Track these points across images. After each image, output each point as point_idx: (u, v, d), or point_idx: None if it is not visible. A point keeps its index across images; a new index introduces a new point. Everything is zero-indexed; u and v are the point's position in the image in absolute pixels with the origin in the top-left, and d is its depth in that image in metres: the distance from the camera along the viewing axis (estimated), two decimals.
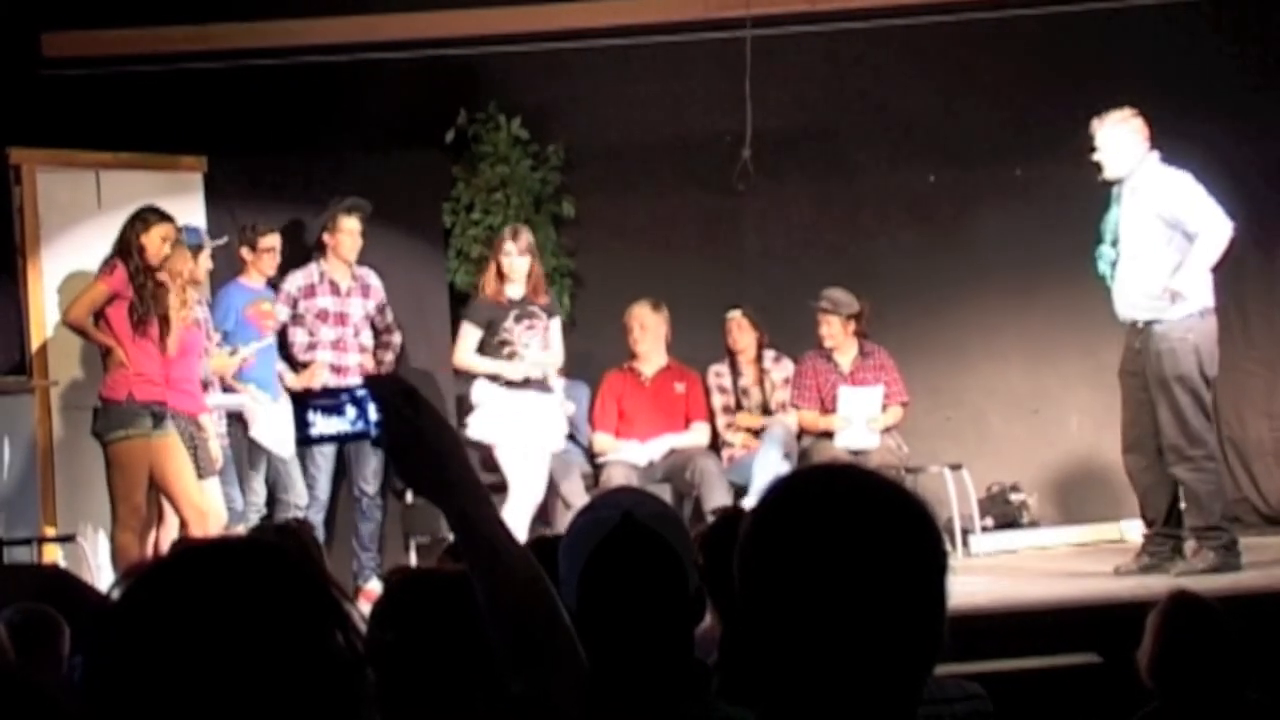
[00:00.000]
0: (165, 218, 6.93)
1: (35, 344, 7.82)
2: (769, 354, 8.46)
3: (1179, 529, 6.77)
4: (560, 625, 1.80)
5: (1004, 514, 8.73)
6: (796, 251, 9.06)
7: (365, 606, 2.05)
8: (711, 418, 8.36)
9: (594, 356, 8.46)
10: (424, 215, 8.92)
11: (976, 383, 9.11)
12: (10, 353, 7.95)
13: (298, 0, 8.69)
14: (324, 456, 7.93)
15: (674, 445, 8.13)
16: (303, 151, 8.72)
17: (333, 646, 1.34)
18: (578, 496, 7.57)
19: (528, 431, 7.50)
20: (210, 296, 7.88)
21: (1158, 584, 5.92)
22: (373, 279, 8.27)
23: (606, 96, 9.04)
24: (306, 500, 7.81)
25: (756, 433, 8.28)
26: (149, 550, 6.76)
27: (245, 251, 7.98)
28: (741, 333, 8.39)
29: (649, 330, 8.24)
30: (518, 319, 7.55)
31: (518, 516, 7.19)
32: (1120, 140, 6.71)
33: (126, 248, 6.83)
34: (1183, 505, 6.78)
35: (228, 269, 8.01)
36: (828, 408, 8.22)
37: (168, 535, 6.97)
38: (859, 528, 1.49)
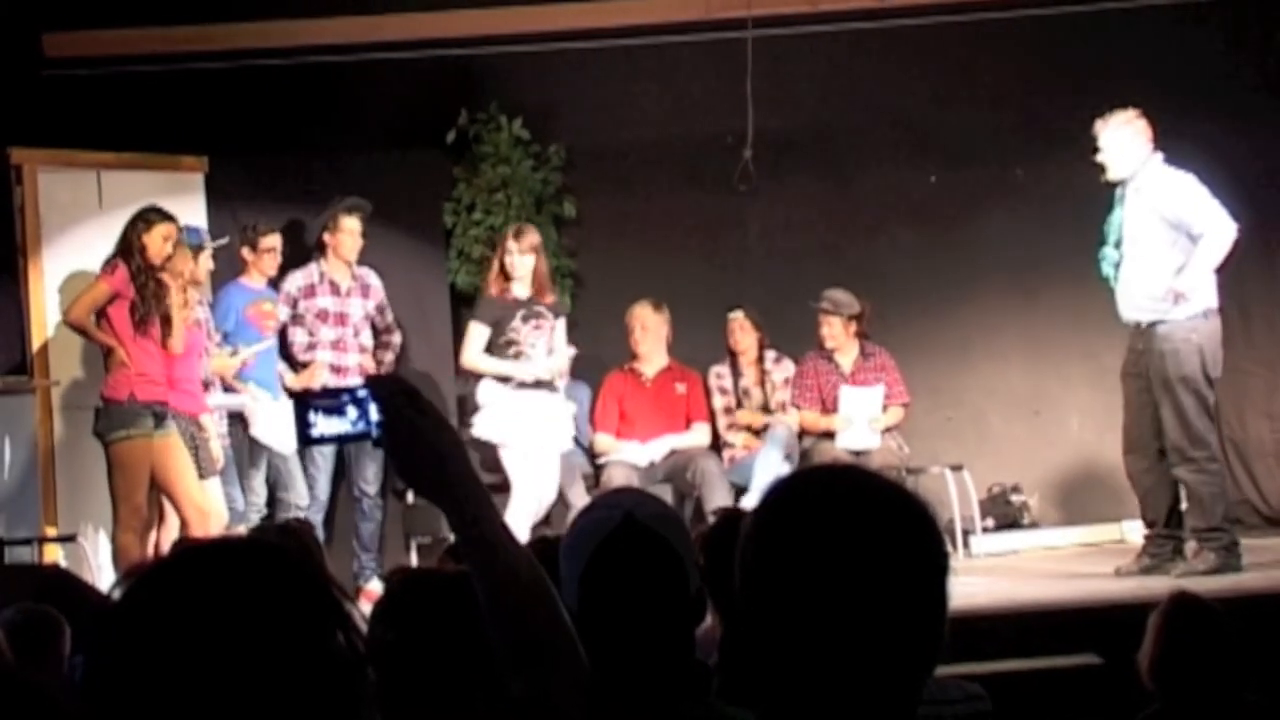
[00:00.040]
0: (167, 217, 6.94)
1: (36, 344, 7.82)
2: (770, 355, 8.46)
3: (1180, 530, 6.77)
4: (561, 626, 1.80)
5: (1005, 515, 8.73)
6: (798, 252, 9.06)
7: (366, 606, 2.05)
8: (712, 418, 8.36)
9: (595, 357, 8.46)
10: (425, 215, 8.92)
11: (977, 383, 9.11)
12: (11, 353, 7.95)
13: (299, 0, 8.69)
14: (323, 457, 7.92)
15: (675, 446, 8.13)
16: (304, 151, 8.72)
17: (334, 646, 1.34)
18: (579, 497, 7.57)
19: (536, 432, 7.48)
20: (211, 297, 7.88)
21: (1158, 585, 5.91)
22: (373, 279, 8.27)
23: (608, 97, 9.04)
24: (307, 500, 7.81)
25: (757, 432, 8.28)
26: (150, 550, 6.76)
27: (246, 251, 7.98)
28: (743, 333, 8.39)
29: (650, 331, 8.24)
30: (525, 319, 7.51)
31: (520, 517, 7.18)
32: (1124, 141, 6.70)
33: (128, 247, 6.83)
34: (1183, 506, 6.78)
35: (229, 269, 8.02)
36: (829, 408, 8.22)
37: (169, 535, 6.97)
38: (860, 529, 1.49)
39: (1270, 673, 3.83)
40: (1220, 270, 6.64)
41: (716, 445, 8.31)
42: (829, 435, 8.13)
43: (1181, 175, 6.68)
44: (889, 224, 9.09)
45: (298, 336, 8.11)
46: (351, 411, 1.80)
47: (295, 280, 8.12)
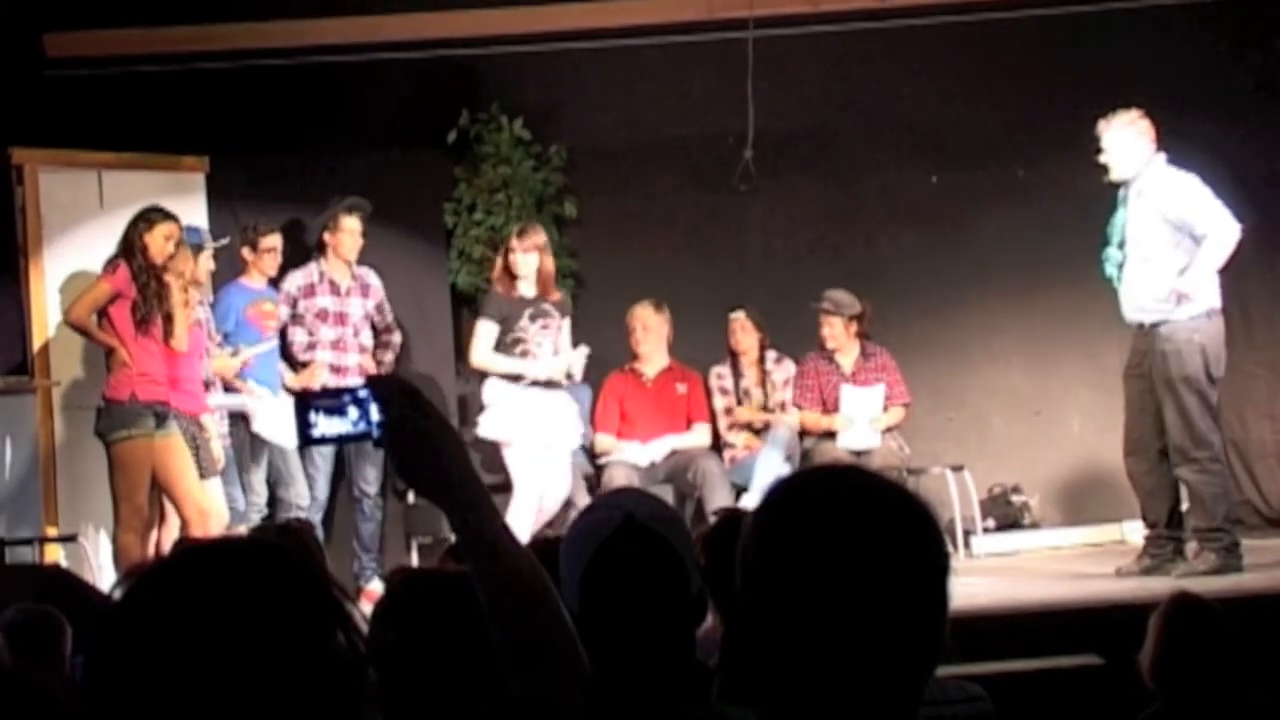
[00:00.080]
0: (169, 216, 6.94)
1: (37, 344, 7.82)
2: (771, 355, 8.46)
3: (1180, 531, 6.77)
4: (561, 626, 1.80)
5: (1005, 515, 8.73)
6: (798, 252, 9.06)
7: (367, 607, 2.05)
8: (713, 419, 8.36)
9: (595, 357, 8.45)
10: (426, 216, 8.93)
11: (978, 384, 9.12)
12: (12, 353, 7.96)
13: (300, 0, 8.69)
14: (323, 457, 7.92)
15: (676, 446, 8.13)
16: (305, 152, 8.72)
17: (334, 646, 1.34)
18: (580, 497, 7.56)
19: (546, 431, 7.46)
20: (212, 297, 7.89)
21: (1159, 585, 5.91)
22: (372, 278, 8.27)
23: (609, 97, 9.04)
24: (308, 500, 7.81)
25: (757, 431, 8.28)
26: (151, 550, 6.76)
27: (246, 251, 7.99)
28: (744, 334, 8.39)
29: (651, 331, 8.24)
30: (533, 318, 7.49)
31: (522, 517, 7.17)
32: (1126, 142, 6.69)
33: (130, 247, 6.83)
34: (1184, 507, 6.78)
35: (229, 269, 8.02)
36: (829, 409, 8.22)
37: (169, 535, 6.97)
38: (861, 529, 1.49)
39: (1271, 673, 3.83)
40: (1223, 271, 6.64)
41: (717, 445, 8.31)
42: (830, 435, 8.13)
43: (1185, 176, 6.68)
44: (890, 224, 9.09)
45: (297, 336, 8.11)
46: (352, 411, 1.80)
47: (295, 280, 8.12)
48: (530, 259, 7.49)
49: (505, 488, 7.36)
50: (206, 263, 7.56)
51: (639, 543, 2.20)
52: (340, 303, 8.14)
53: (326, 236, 8.16)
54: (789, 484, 1.59)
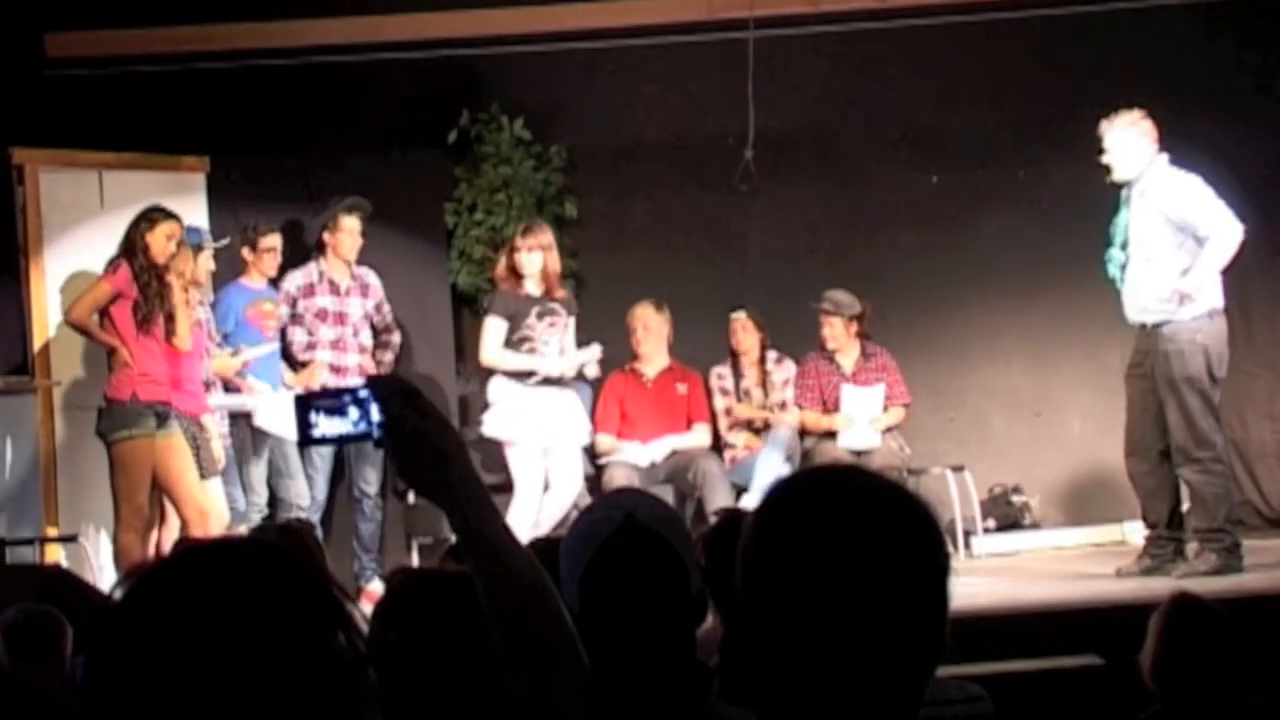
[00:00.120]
0: (171, 216, 6.94)
1: (38, 344, 7.83)
2: (771, 355, 8.46)
3: (1181, 531, 6.76)
4: (562, 626, 1.80)
5: (1006, 516, 8.73)
6: (799, 252, 9.06)
7: (367, 607, 2.05)
8: (714, 419, 8.36)
9: None
10: (426, 216, 8.92)
11: (979, 384, 9.12)
12: (13, 353, 7.96)
13: (300, 1, 8.69)
14: (321, 458, 7.92)
15: (676, 446, 8.13)
16: (305, 152, 8.72)
17: (334, 647, 1.34)
18: (581, 497, 7.56)
19: (554, 430, 7.45)
20: (212, 297, 7.89)
21: (1159, 586, 5.91)
22: (371, 278, 8.28)
23: (609, 97, 9.04)
24: (308, 500, 7.81)
25: (757, 430, 8.27)
26: (151, 550, 6.77)
27: (246, 252, 7.99)
28: (745, 334, 8.39)
29: (652, 331, 8.24)
30: (540, 315, 7.48)
31: (524, 516, 7.17)
32: (1129, 142, 6.69)
33: (131, 246, 6.83)
34: (1185, 507, 6.78)
35: (229, 270, 8.02)
36: (830, 409, 8.22)
37: (170, 535, 6.98)
38: (861, 529, 1.49)
39: (1272, 673, 3.83)
40: (1225, 271, 6.64)
41: (718, 446, 8.31)
42: (830, 435, 8.14)
43: (1187, 177, 6.67)
44: (890, 224, 9.09)
45: (297, 336, 8.11)
46: (353, 412, 1.80)
47: (294, 279, 8.12)
48: (535, 258, 7.47)
49: (506, 488, 7.35)
50: (206, 263, 7.56)
51: (639, 543, 2.20)
52: (340, 302, 8.14)
53: (326, 236, 8.16)
54: (789, 484, 1.59)
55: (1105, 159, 6.73)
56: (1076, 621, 5.82)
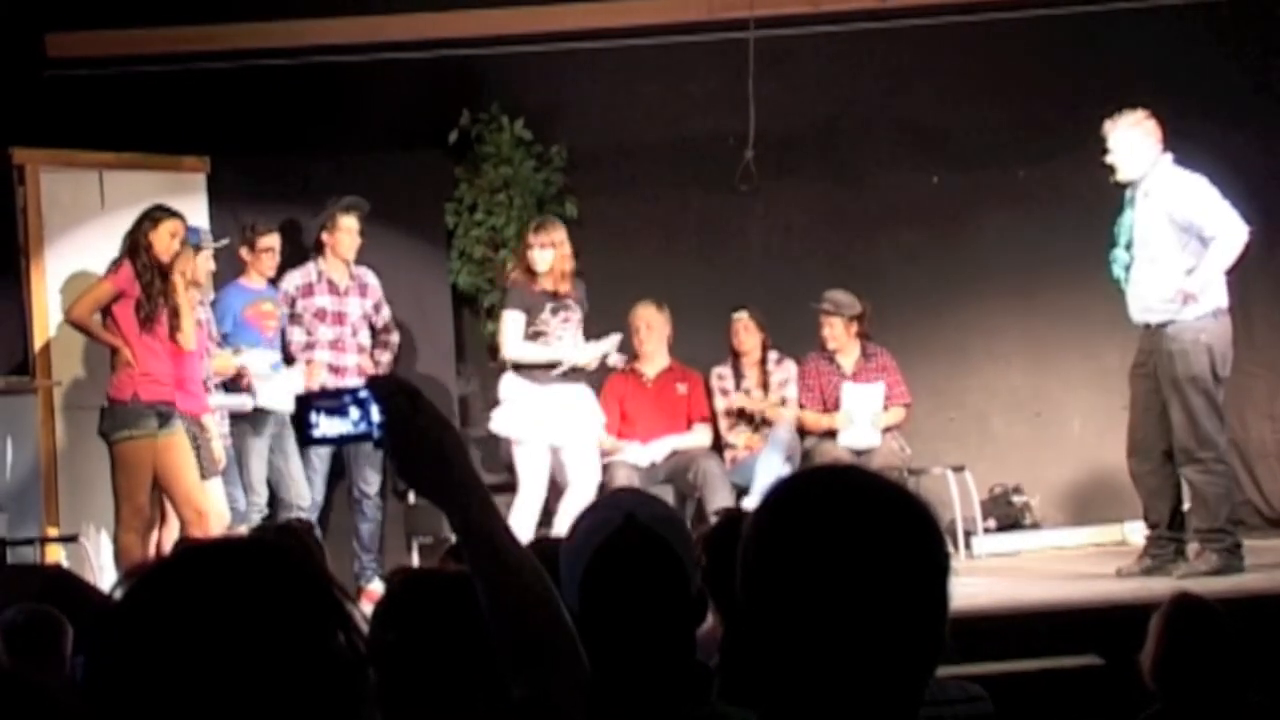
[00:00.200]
0: (174, 214, 6.94)
1: (38, 344, 7.83)
2: (772, 356, 8.46)
3: (1182, 532, 6.76)
4: (562, 627, 1.80)
5: (1006, 516, 8.73)
6: (799, 253, 9.06)
7: (367, 607, 2.05)
8: (714, 419, 8.36)
9: None
10: (426, 216, 8.92)
11: (979, 384, 9.12)
12: (13, 353, 7.96)
13: (301, 1, 8.69)
14: (320, 458, 7.92)
15: (676, 446, 8.13)
16: (305, 152, 8.72)
17: (334, 646, 1.34)
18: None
19: (568, 427, 7.42)
20: (213, 296, 7.89)
21: (1160, 586, 5.91)
22: (370, 278, 8.27)
23: (610, 97, 9.04)
24: (309, 500, 7.81)
25: (756, 428, 8.26)
26: (151, 550, 6.77)
27: (244, 252, 7.99)
28: (747, 334, 8.39)
29: (654, 330, 8.24)
30: (554, 311, 7.47)
31: (528, 515, 7.16)
32: (1133, 142, 6.68)
33: (134, 245, 6.84)
34: (1186, 507, 6.78)
35: (229, 270, 8.02)
36: (830, 410, 8.22)
37: (170, 535, 6.98)
38: (861, 529, 1.49)
39: (1272, 673, 3.83)
40: (1228, 271, 6.64)
41: (718, 446, 8.30)
42: (830, 435, 8.14)
43: (1192, 177, 6.66)
44: (890, 225, 9.08)
45: (295, 336, 8.11)
46: (353, 412, 1.80)
47: (293, 279, 8.12)
48: (546, 254, 7.45)
49: (508, 487, 7.35)
50: (206, 263, 7.56)
51: (639, 543, 2.20)
52: (338, 302, 8.14)
53: (324, 236, 8.16)
54: (789, 484, 1.59)
55: (1109, 159, 6.73)
56: (1076, 621, 5.82)
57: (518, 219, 8.62)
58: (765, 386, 8.38)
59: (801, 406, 8.29)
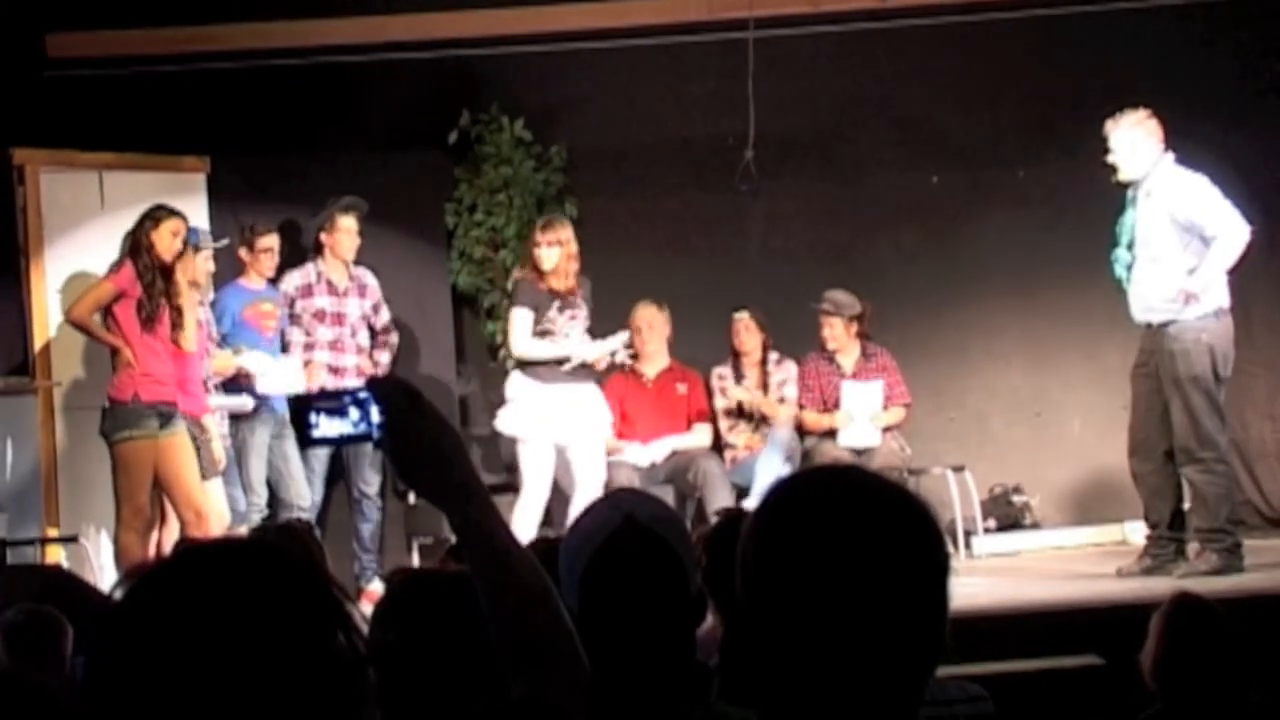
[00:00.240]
0: (175, 213, 6.94)
1: (38, 344, 7.83)
2: (772, 356, 8.46)
3: (1182, 532, 6.76)
4: (562, 627, 1.80)
5: (1006, 516, 8.73)
6: (799, 253, 9.06)
7: (367, 607, 2.05)
8: (714, 419, 8.36)
9: None
10: (426, 216, 8.92)
11: (979, 384, 9.11)
12: (13, 353, 7.96)
13: (301, 1, 8.69)
14: (318, 459, 7.92)
15: (676, 446, 8.13)
16: (305, 152, 8.72)
17: (334, 647, 1.34)
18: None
19: (575, 426, 7.41)
20: (212, 296, 7.88)
21: (1160, 586, 5.91)
22: (369, 279, 8.27)
23: (609, 98, 9.04)
24: (309, 500, 7.81)
25: (756, 425, 8.26)
26: (152, 551, 6.77)
27: (243, 252, 7.99)
28: (748, 334, 8.38)
29: (655, 330, 8.25)
30: (560, 309, 7.47)
31: (530, 515, 7.16)
32: (1135, 142, 6.68)
33: (136, 245, 6.83)
34: (1186, 507, 6.78)
35: (229, 270, 8.02)
36: (830, 410, 8.22)
37: (170, 536, 6.98)
38: (861, 529, 1.49)
39: (1272, 673, 3.83)
40: (1230, 271, 6.64)
41: (718, 446, 8.30)
42: (830, 434, 8.14)
43: (1194, 177, 6.66)
44: (890, 225, 9.09)
45: (295, 336, 8.11)
46: (353, 413, 1.80)
47: (292, 280, 8.12)
48: (553, 252, 7.43)
49: (508, 487, 7.34)
50: (206, 263, 7.56)
51: (639, 543, 2.20)
52: (338, 303, 8.14)
53: (323, 237, 8.16)
54: (789, 484, 1.59)
55: (1111, 159, 6.73)
56: (1077, 621, 5.82)
57: (518, 219, 8.62)
58: (765, 387, 8.38)
59: (801, 406, 8.29)
